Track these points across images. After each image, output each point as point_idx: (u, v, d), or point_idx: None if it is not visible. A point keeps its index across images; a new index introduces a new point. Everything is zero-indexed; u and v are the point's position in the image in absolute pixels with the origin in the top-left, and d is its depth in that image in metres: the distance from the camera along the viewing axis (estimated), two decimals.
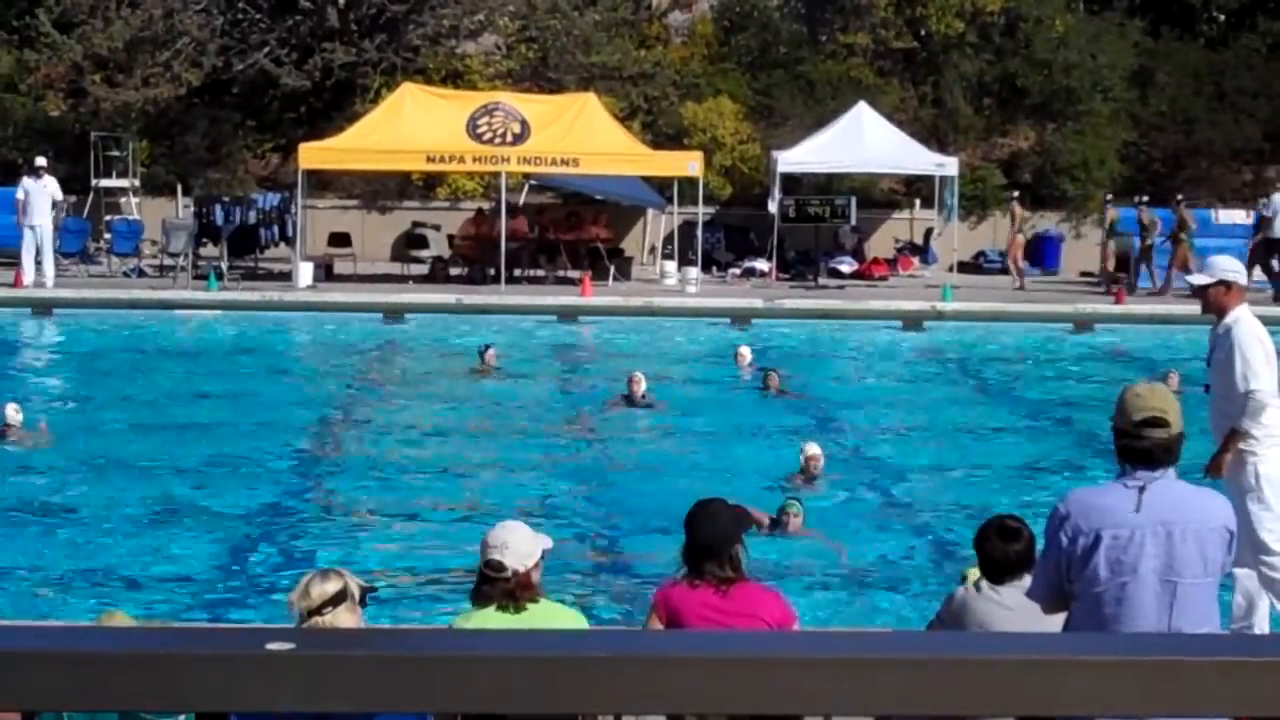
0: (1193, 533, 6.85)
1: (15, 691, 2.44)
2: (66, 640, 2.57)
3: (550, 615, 7.87)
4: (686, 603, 8.02)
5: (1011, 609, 8.12)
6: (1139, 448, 6.93)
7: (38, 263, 34.22)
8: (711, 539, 8.10)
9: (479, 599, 8.01)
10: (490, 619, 7.74)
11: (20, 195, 34.53)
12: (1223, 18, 50.36)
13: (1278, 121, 46.18)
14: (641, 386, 22.60)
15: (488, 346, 26.21)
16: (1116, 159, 45.07)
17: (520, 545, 7.98)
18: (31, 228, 34.15)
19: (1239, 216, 41.18)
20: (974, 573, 12.92)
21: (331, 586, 7.12)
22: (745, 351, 26.65)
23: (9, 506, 16.77)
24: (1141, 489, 6.86)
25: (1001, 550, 8.34)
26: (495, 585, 7.89)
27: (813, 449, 17.54)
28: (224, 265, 35.68)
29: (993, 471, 19.28)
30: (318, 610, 7.05)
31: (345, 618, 7.08)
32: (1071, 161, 44.28)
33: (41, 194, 34.62)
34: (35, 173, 35.03)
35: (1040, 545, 8.03)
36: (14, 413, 19.77)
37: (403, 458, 19.73)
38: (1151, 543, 6.82)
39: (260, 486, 18.02)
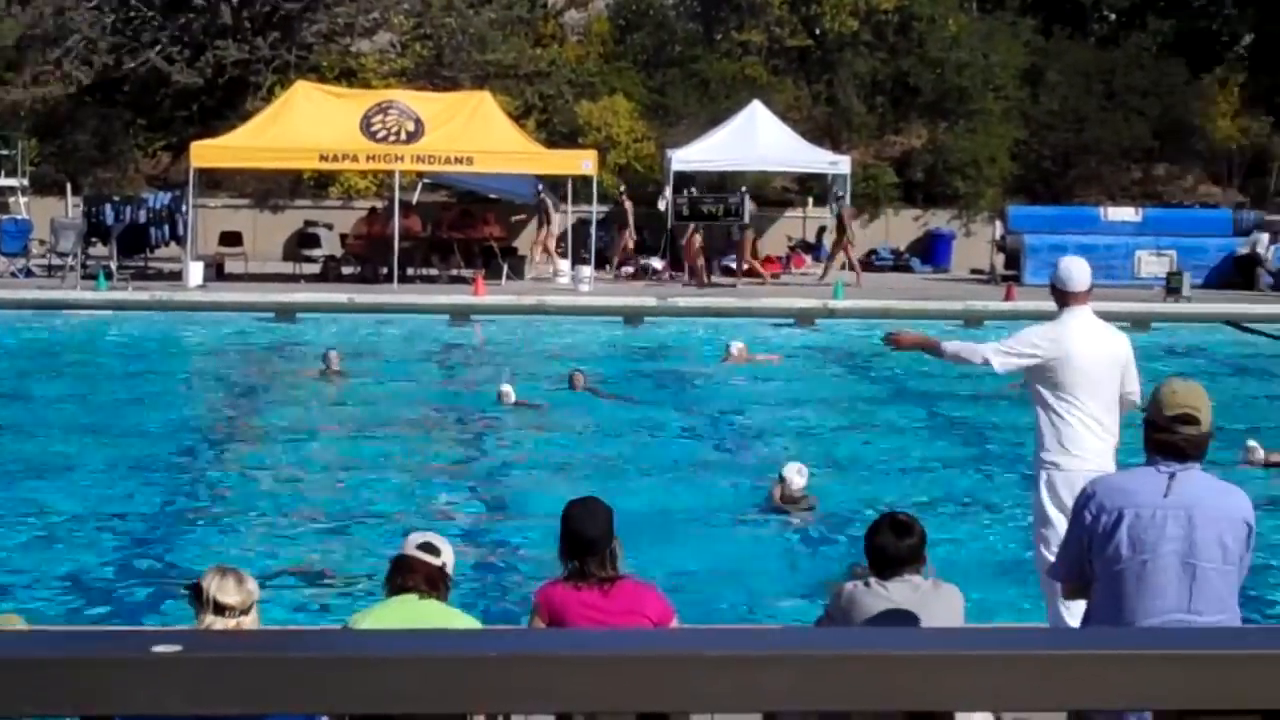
0: (1213, 520, 7.01)
1: None
2: None
3: (450, 617, 7.91)
4: (569, 603, 7.96)
5: (900, 604, 8.17)
6: (1170, 441, 7.09)
7: None
8: (594, 535, 8.08)
9: (394, 587, 8.06)
10: (405, 607, 7.78)
11: None
12: (1113, 17, 50.89)
13: (1167, 120, 46.67)
14: (510, 399, 22.63)
15: (330, 349, 25.82)
16: (1008, 157, 45.44)
17: (448, 550, 8.23)
18: None
19: (1128, 214, 41.59)
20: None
21: (254, 587, 7.10)
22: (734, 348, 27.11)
23: None
24: (1171, 475, 7.01)
25: (894, 545, 8.37)
26: (418, 573, 7.95)
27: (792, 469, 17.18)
28: (114, 265, 35.35)
29: (877, 469, 19.35)
30: (247, 610, 7.01)
31: (256, 621, 7.06)
32: (963, 160, 44.61)
33: None
34: None
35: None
36: None
37: (289, 459, 19.59)
38: (1173, 524, 6.97)
39: (150, 487, 17.85)
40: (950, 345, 11.21)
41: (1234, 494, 7.36)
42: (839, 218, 38.99)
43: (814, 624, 9.10)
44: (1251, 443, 18.95)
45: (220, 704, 2.41)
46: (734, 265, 39.14)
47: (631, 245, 39.39)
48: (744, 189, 39.84)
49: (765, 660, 2.48)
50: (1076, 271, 11.03)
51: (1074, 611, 10.33)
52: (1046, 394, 10.65)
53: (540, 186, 39.27)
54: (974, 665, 2.50)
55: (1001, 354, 10.73)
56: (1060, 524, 10.52)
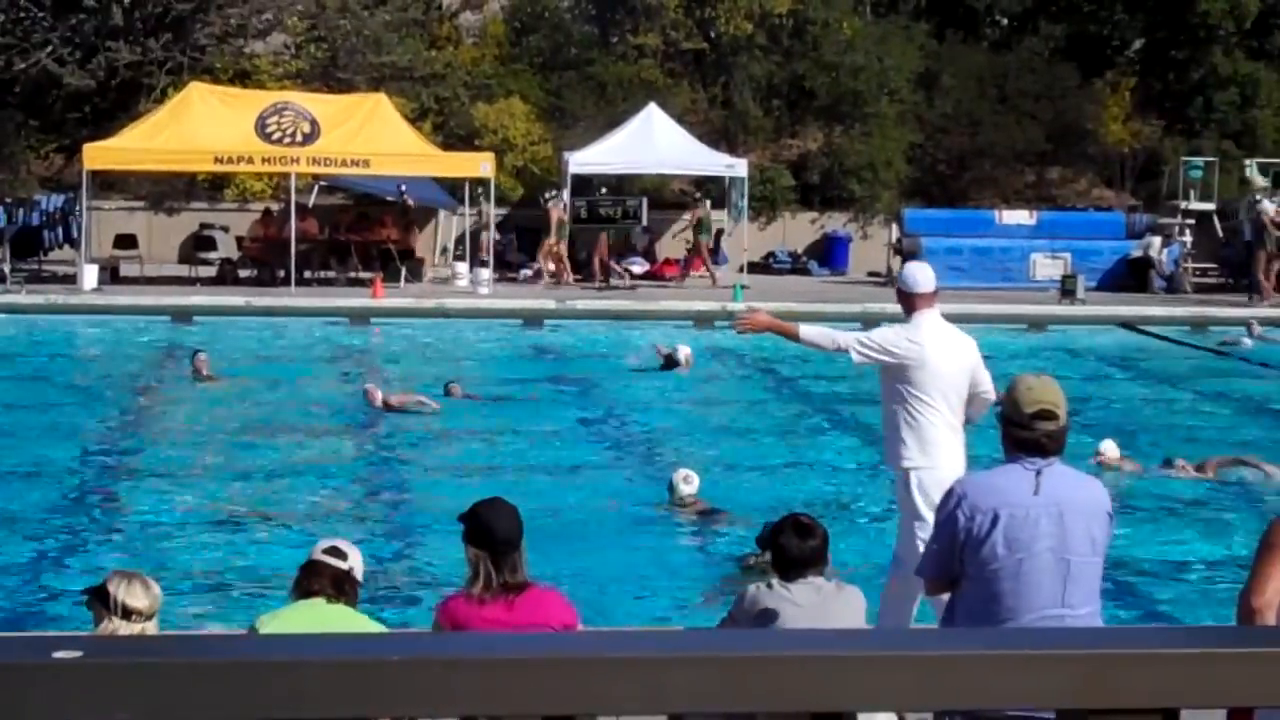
0: (1081, 514, 7.12)
1: None
2: None
3: (355, 622, 7.90)
4: (471, 619, 7.79)
5: (802, 606, 8.20)
6: (1032, 439, 7.15)
7: None
8: (506, 532, 7.96)
9: (301, 591, 8.05)
10: (314, 611, 7.76)
11: None
12: (1006, 21, 51.26)
13: (1060, 124, 47.08)
14: (377, 400, 22.58)
15: (197, 351, 25.52)
16: (903, 160, 45.71)
17: (356, 555, 8.22)
18: None
19: (1022, 217, 41.92)
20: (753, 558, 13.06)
21: (158, 593, 7.04)
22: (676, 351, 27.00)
23: None
24: (1038, 472, 7.08)
25: (798, 546, 8.41)
26: (325, 576, 7.93)
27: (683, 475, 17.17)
28: (6, 268, 35.00)
29: (777, 471, 19.39)
30: (150, 616, 6.96)
31: (153, 631, 7.01)
32: (859, 163, 44.83)
33: None
34: None
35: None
36: None
37: (187, 462, 19.47)
38: (1046, 522, 7.05)
39: (45, 492, 17.70)
40: (807, 331, 11.29)
41: (1094, 486, 7.50)
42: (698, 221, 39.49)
43: (717, 626, 9.13)
44: (1106, 443, 18.80)
45: (122, 710, 2.39)
46: (633, 268, 39.18)
47: (560, 248, 39.22)
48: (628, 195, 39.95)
49: (669, 662, 2.48)
50: (922, 275, 11.24)
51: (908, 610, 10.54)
52: (903, 396, 10.81)
53: (549, 194, 39.37)
54: (877, 666, 2.51)
55: (860, 348, 10.87)
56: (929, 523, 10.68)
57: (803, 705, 2.48)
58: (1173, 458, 19.08)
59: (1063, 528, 7.09)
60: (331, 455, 20.05)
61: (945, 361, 10.85)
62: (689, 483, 16.66)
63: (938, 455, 10.77)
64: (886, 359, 10.82)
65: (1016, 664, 2.52)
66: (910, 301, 11.05)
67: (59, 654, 2.36)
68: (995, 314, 33.97)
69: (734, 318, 11.94)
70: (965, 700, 2.56)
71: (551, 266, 38.82)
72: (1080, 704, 2.51)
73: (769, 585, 8.42)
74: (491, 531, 7.93)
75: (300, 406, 23.31)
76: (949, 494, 7.37)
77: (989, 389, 11.01)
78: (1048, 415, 7.17)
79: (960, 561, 7.20)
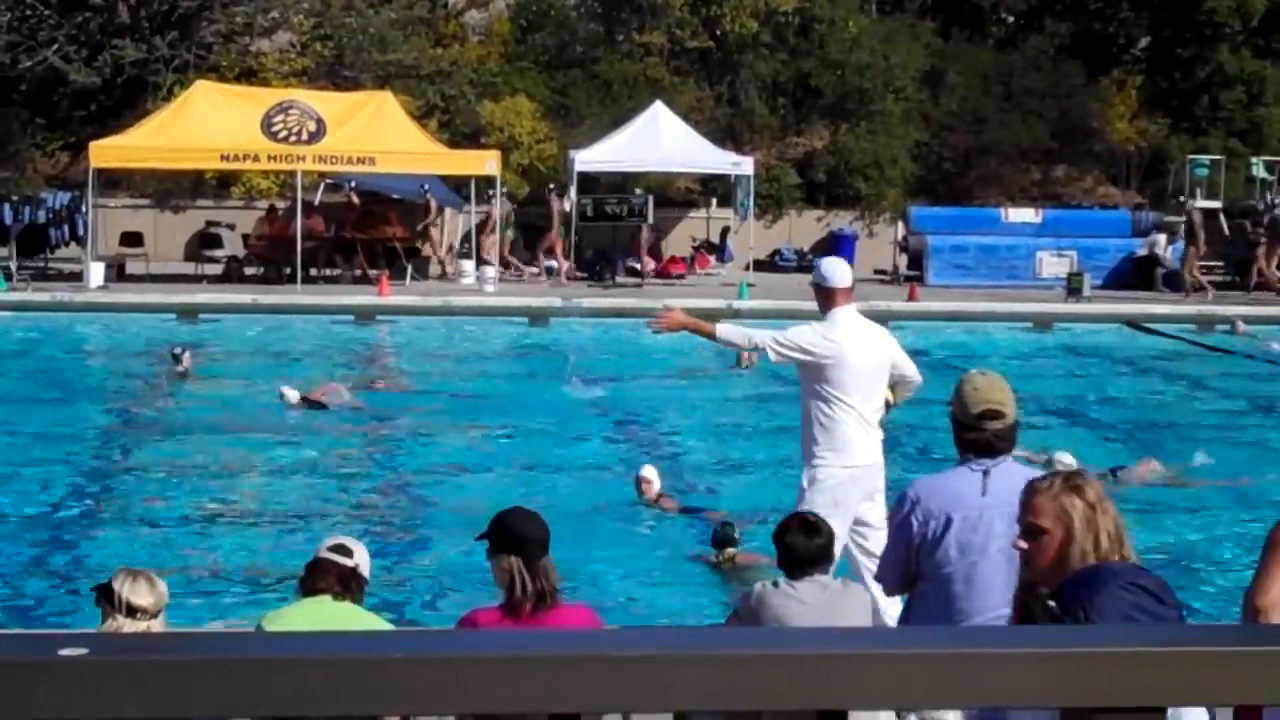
0: None
1: None
2: None
3: (360, 619, 7.89)
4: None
5: (808, 604, 8.19)
6: (980, 439, 7.14)
7: None
8: (541, 535, 7.88)
9: (308, 588, 8.04)
10: (320, 609, 7.75)
11: None
12: (1011, 19, 51.24)
13: (1065, 122, 47.05)
14: (293, 400, 22.56)
15: (184, 349, 25.35)
16: (909, 158, 45.68)
17: (362, 552, 8.19)
18: None
19: (1028, 215, 41.91)
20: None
21: (164, 588, 7.03)
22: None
23: None
24: (985, 473, 7.05)
25: (804, 545, 8.40)
26: (331, 573, 7.91)
27: (648, 472, 17.24)
28: (13, 265, 35.02)
29: (773, 472, 19.39)
30: (157, 613, 6.95)
31: (159, 628, 7.01)
32: (865, 161, 44.79)
33: None
34: None
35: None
36: None
37: (192, 461, 19.48)
38: (999, 523, 7.03)
39: (50, 489, 17.72)
40: (724, 330, 11.35)
41: None
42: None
43: (723, 623, 9.13)
44: (1062, 455, 17.80)
45: (128, 708, 2.39)
46: (638, 266, 39.17)
47: (558, 242, 39.23)
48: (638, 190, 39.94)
49: (675, 660, 2.47)
50: (839, 270, 11.30)
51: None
52: (818, 393, 10.87)
53: (551, 187, 39.46)
54: (884, 664, 2.50)
55: (777, 346, 10.94)
56: (832, 518, 10.77)
57: (809, 703, 2.47)
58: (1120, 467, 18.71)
59: (1013, 527, 7.08)
60: (331, 451, 20.08)
61: (862, 357, 10.90)
62: (654, 477, 16.78)
63: (849, 454, 10.88)
64: (803, 358, 10.86)
65: (1022, 662, 2.52)
66: (828, 297, 11.09)
67: (65, 651, 2.36)
68: (1001, 312, 33.98)
69: (649, 321, 11.92)
70: (973, 698, 2.56)
71: (551, 262, 38.86)
72: (1088, 703, 2.51)
73: (774, 583, 8.41)
74: (521, 535, 7.86)
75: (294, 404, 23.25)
76: (902, 499, 7.37)
77: (912, 373, 11.21)
78: (994, 415, 7.16)
79: (916, 564, 7.19)
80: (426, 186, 38.40)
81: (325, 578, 7.97)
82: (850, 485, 10.92)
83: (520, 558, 7.80)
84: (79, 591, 12.74)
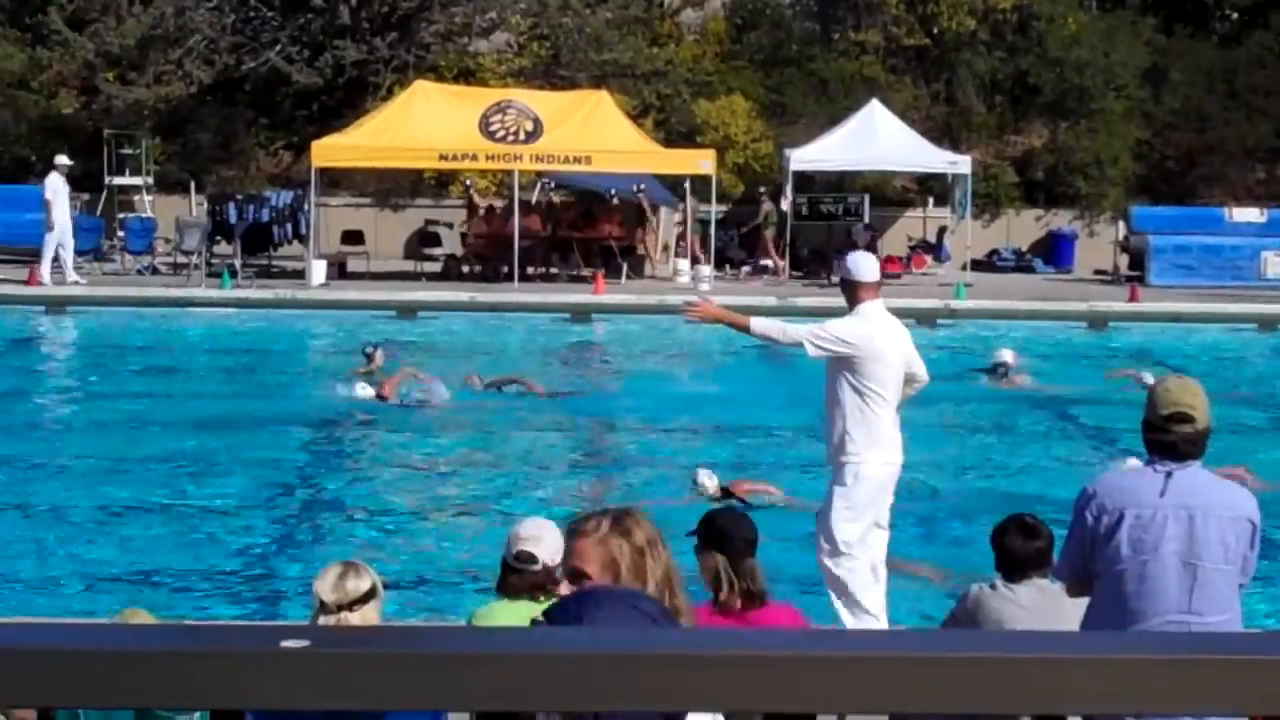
0: (1214, 519, 6.97)
1: (31, 689, 2.43)
2: (82, 637, 2.56)
3: None
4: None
5: (1026, 607, 8.12)
6: (1165, 441, 7.05)
7: (55, 261, 34.37)
8: (749, 535, 7.87)
9: (506, 590, 8.03)
10: (519, 611, 7.75)
11: (49, 194, 34.57)
12: (1235, 15, 50.30)
13: None
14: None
15: (375, 347, 25.37)
16: (1130, 157, 45.03)
17: (552, 540, 8.01)
18: (54, 227, 34.29)
19: (1253, 215, 41.12)
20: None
21: (364, 584, 7.08)
22: (1007, 354, 25.77)
23: (15, 502, 16.82)
24: (1168, 474, 6.96)
25: (1023, 547, 8.33)
26: (524, 577, 7.89)
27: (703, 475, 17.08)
28: (237, 263, 35.67)
29: (1010, 472, 19.22)
30: (349, 606, 7.00)
31: (373, 616, 7.05)
32: (1085, 159, 44.24)
33: (66, 192, 34.78)
34: (61, 171, 35.06)
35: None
36: None
37: (416, 455, 19.75)
38: (1173, 524, 6.93)
39: (270, 483, 18.03)
40: (758, 323, 11.30)
41: (1237, 492, 7.33)
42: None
43: (940, 625, 9.07)
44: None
45: (347, 699, 2.41)
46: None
47: (772, 245, 39.26)
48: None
49: (892, 661, 2.45)
50: (867, 264, 11.34)
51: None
52: (854, 387, 10.86)
53: (762, 190, 39.61)
54: (1106, 669, 2.46)
55: (815, 340, 10.92)
56: (865, 516, 10.68)
57: (1024, 707, 2.44)
58: None
59: (1192, 532, 6.95)
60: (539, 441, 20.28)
61: (893, 352, 10.96)
62: (710, 479, 16.81)
63: (888, 449, 10.91)
64: (842, 350, 10.84)
65: (1241, 669, 2.47)
66: (856, 292, 11.07)
67: (287, 643, 2.39)
68: (1225, 313, 33.43)
69: (684, 304, 12.01)
70: (1189, 705, 2.50)
71: (766, 261, 38.90)
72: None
73: (992, 586, 8.35)
74: (729, 534, 7.88)
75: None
76: (1080, 494, 7.30)
77: (922, 371, 11.27)
78: (1183, 419, 7.03)
79: (1090, 560, 7.11)
80: (642, 185, 38.54)
81: (524, 578, 7.95)
82: (888, 481, 10.92)
83: (726, 556, 7.81)
84: (295, 585, 12.93)
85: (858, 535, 10.81)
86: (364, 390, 22.76)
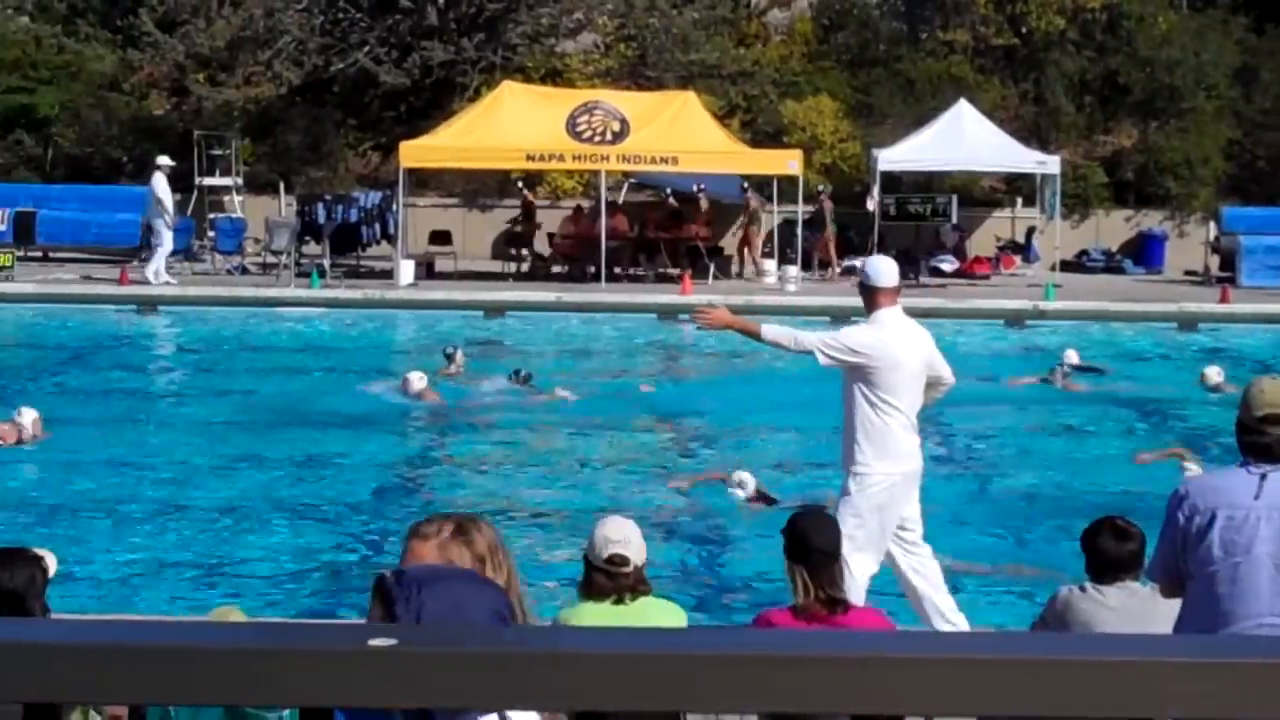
0: None
1: (123, 687, 2.45)
2: (173, 635, 2.59)
3: (658, 610, 7.89)
4: None
5: (1115, 610, 8.06)
6: (1260, 443, 6.98)
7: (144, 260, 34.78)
8: (827, 545, 7.85)
9: (593, 592, 8.00)
10: (607, 613, 7.75)
11: (161, 194, 34.95)
12: None
13: None
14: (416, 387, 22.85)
15: (456, 348, 25.48)
16: (1221, 157, 44.67)
17: (638, 541, 8.06)
18: (171, 226, 34.80)
19: None
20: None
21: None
22: (1212, 373, 24.61)
23: (115, 500, 16.95)
24: (1263, 476, 6.89)
25: (1116, 549, 8.27)
26: (614, 579, 7.87)
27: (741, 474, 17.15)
28: (326, 263, 35.85)
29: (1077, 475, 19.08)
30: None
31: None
32: (1175, 160, 43.90)
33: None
34: (165, 171, 35.39)
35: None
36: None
37: (500, 456, 19.80)
38: (1266, 526, 6.86)
39: (354, 483, 18.10)
40: (770, 330, 11.24)
41: None
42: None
43: (1029, 628, 9.03)
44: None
45: (435, 697, 2.43)
46: (943, 266, 38.84)
47: (831, 245, 39.17)
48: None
49: (983, 664, 2.45)
50: (886, 268, 11.23)
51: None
52: (865, 396, 10.76)
53: (820, 189, 39.53)
54: (1189, 672, 2.45)
55: (824, 349, 10.84)
56: (871, 526, 10.57)
57: (1114, 710, 2.43)
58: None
59: None
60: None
61: (911, 359, 10.85)
62: (744, 485, 16.78)
63: (895, 460, 10.79)
64: (853, 359, 10.75)
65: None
66: (874, 297, 10.99)
67: (375, 642, 2.41)
68: None
69: (694, 312, 11.90)
70: (1240, 710, 2.48)
71: (853, 262, 38.84)
72: None
73: (1081, 588, 8.30)
74: (807, 543, 7.86)
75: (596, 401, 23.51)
76: (1173, 495, 7.21)
77: (948, 375, 11.20)
78: (1278, 420, 6.95)
79: (1183, 561, 7.04)
80: (703, 185, 38.56)
81: (611, 579, 7.93)
82: (895, 490, 10.82)
83: (805, 566, 7.80)
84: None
85: (859, 543, 10.62)
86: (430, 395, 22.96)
